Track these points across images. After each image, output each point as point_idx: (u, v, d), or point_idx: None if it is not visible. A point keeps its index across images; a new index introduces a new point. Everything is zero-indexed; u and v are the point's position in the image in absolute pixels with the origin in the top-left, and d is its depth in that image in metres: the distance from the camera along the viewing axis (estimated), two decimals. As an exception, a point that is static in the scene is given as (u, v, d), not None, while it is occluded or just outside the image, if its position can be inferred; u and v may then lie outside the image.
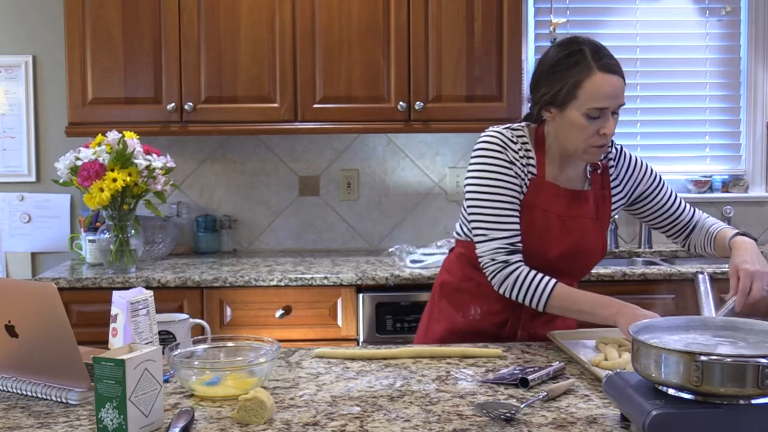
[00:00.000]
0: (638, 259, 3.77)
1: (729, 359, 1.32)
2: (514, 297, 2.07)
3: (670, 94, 4.01)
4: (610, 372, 1.56)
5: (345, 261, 3.53)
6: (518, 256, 2.08)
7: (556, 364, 1.83)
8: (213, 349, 1.84)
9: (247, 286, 3.18)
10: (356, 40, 3.46)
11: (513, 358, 1.99)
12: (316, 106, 3.47)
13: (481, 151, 2.12)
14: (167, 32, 3.43)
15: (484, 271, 2.11)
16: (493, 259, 2.08)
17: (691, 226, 2.29)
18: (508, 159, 2.10)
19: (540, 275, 2.06)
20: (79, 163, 3.13)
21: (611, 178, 2.22)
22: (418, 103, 3.45)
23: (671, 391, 1.39)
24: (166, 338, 1.94)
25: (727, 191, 3.98)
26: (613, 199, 2.22)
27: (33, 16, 3.78)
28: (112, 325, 1.83)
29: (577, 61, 2.04)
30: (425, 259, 3.32)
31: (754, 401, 1.34)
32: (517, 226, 2.08)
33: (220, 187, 3.87)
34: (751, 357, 1.32)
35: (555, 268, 2.13)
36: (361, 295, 3.20)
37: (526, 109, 3.83)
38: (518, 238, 2.08)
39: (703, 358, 1.32)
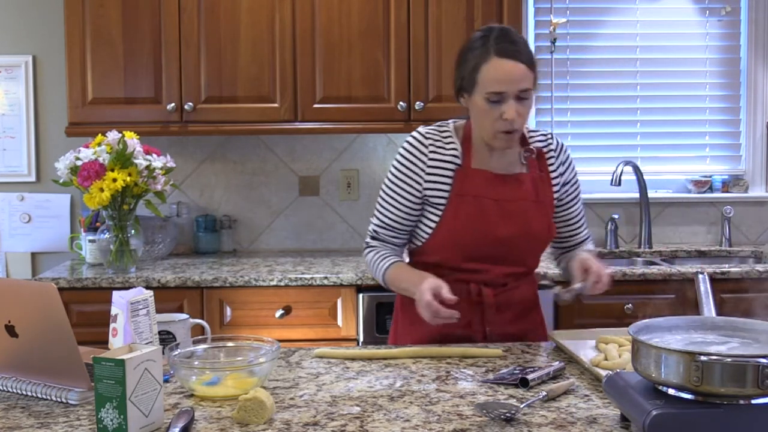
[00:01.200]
0: (638, 259, 3.77)
1: (729, 359, 1.32)
2: (372, 275, 2.29)
3: (670, 94, 4.01)
4: (610, 372, 1.56)
5: (345, 261, 3.53)
6: (378, 243, 2.26)
7: (556, 364, 1.83)
8: (213, 349, 1.84)
9: (247, 286, 3.18)
10: (356, 40, 3.46)
11: (513, 358, 1.99)
12: (316, 106, 3.47)
13: (399, 149, 2.25)
14: (167, 32, 3.43)
15: None
16: (365, 242, 2.31)
17: (575, 248, 2.33)
18: (413, 156, 2.19)
19: (384, 255, 2.23)
20: (79, 163, 3.13)
21: (549, 164, 2.24)
22: (418, 103, 3.45)
23: (671, 391, 1.39)
24: (166, 338, 1.94)
25: (727, 191, 3.98)
26: (555, 187, 2.24)
27: (33, 16, 3.78)
28: (112, 325, 1.83)
29: (479, 45, 2.10)
30: (425, 259, 3.32)
31: (754, 401, 1.34)
32: (390, 221, 2.21)
33: (220, 187, 3.87)
34: (751, 357, 1.32)
35: (504, 255, 2.16)
36: (361, 295, 3.20)
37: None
38: (386, 231, 2.24)
39: (703, 358, 1.32)
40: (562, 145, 2.29)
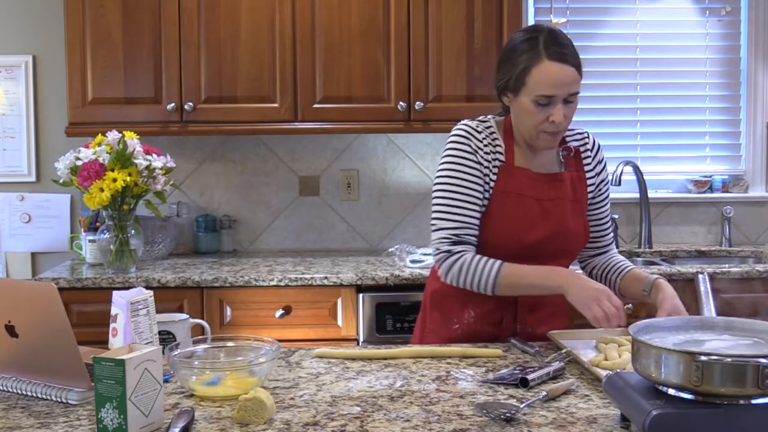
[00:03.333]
0: (638, 259, 3.77)
1: (729, 359, 1.32)
2: (462, 284, 2.10)
3: (670, 94, 4.01)
4: (610, 372, 1.56)
5: (345, 261, 3.53)
6: (463, 247, 2.10)
7: (556, 364, 1.83)
8: (213, 349, 1.84)
9: (247, 286, 3.18)
10: (356, 40, 3.46)
11: (513, 358, 1.99)
12: (316, 106, 3.47)
13: (448, 144, 2.18)
14: (167, 32, 3.43)
15: (438, 269, 2.15)
16: (437, 249, 2.13)
17: (602, 251, 2.33)
18: (471, 148, 2.14)
19: (485, 258, 2.08)
20: (79, 163, 3.13)
21: (585, 162, 2.25)
22: (418, 103, 3.45)
23: (671, 391, 1.39)
24: (166, 338, 1.94)
25: (727, 191, 3.98)
26: (589, 187, 2.25)
27: (33, 16, 3.78)
28: (112, 325, 1.83)
29: (529, 47, 2.08)
30: (425, 259, 3.32)
31: (754, 401, 1.34)
32: (468, 219, 2.11)
33: (220, 187, 3.87)
34: (751, 357, 1.32)
35: (539, 253, 2.14)
36: (361, 295, 3.20)
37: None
38: (467, 230, 2.11)
39: (703, 358, 1.32)
40: (598, 144, 2.30)
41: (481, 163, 2.14)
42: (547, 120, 2.07)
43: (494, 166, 2.15)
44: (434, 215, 2.14)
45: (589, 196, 2.26)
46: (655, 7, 3.98)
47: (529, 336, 2.19)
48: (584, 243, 2.26)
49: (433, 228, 2.14)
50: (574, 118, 2.14)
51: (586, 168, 2.25)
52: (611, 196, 3.88)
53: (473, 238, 2.12)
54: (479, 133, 2.16)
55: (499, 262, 2.07)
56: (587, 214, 2.27)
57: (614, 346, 1.94)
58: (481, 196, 2.13)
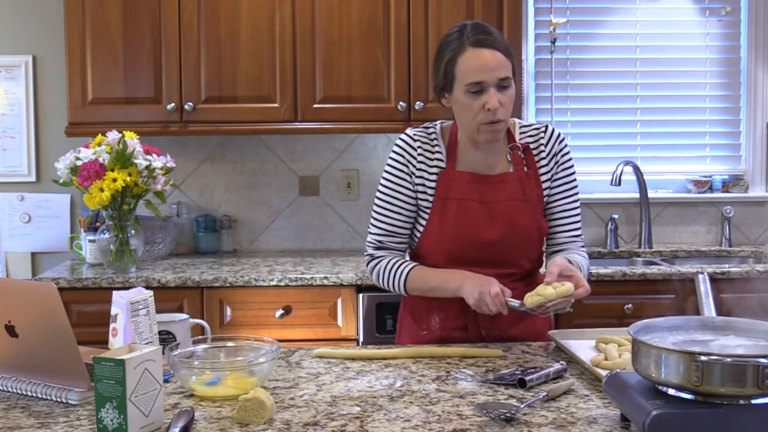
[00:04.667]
0: (638, 259, 3.77)
1: (729, 359, 1.32)
2: (383, 286, 2.21)
3: (670, 94, 4.01)
4: (610, 372, 1.56)
5: (345, 261, 3.53)
6: (384, 252, 2.21)
7: (557, 366, 1.82)
8: (213, 349, 1.84)
9: (247, 286, 3.18)
10: (356, 40, 3.46)
11: (513, 358, 1.99)
12: (316, 106, 3.47)
13: (388, 159, 2.23)
14: (167, 32, 3.43)
15: None
16: (365, 253, 2.25)
17: (560, 249, 2.22)
18: (404, 159, 2.19)
19: (399, 262, 2.17)
20: (79, 163, 3.13)
21: (539, 160, 2.19)
22: (418, 103, 3.45)
23: (671, 391, 1.39)
24: (166, 338, 1.95)
25: (727, 191, 3.98)
26: (544, 184, 2.19)
27: (33, 16, 3.78)
28: (112, 325, 1.83)
29: (452, 41, 2.10)
30: (425, 259, 3.32)
31: (754, 401, 1.34)
32: (392, 228, 2.19)
33: (220, 187, 3.87)
34: (751, 357, 1.32)
35: (493, 255, 2.13)
36: (361, 295, 3.20)
37: (525, 108, 3.85)
38: (390, 238, 2.20)
39: (703, 358, 1.32)
40: (557, 134, 2.22)
41: (412, 174, 2.17)
42: (483, 109, 2.06)
43: (432, 173, 2.16)
44: (370, 223, 2.25)
45: (546, 190, 2.19)
46: (655, 7, 3.98)
47: (502, 338, 2.18)
48: (540, 241, 2.20)
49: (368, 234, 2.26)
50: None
51: (540, 164, 2.18)
52: (611, 195, 3.88)
53: (398, 245, 2.21)
54: (414, 142, 2.18)
55: (409, 266, 2.15)
56: (547, 210, 2.21)
57: (614, 346, 1.94)
58: (409, 206, 2.19)
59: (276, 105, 3.47)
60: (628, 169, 3.78)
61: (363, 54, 3.46)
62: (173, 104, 3.42)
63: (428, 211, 2.17)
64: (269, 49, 3.45)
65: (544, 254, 2.28)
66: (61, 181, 3.22)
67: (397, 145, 2.20)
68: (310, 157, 3.87)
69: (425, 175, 2.17)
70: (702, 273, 2.03)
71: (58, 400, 1.66)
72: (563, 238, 2.23)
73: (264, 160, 3.87)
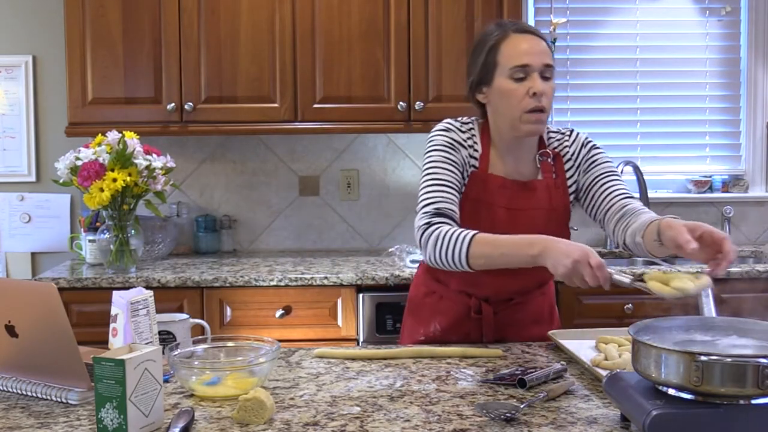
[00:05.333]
0: (638, 259, 3.77)
1: (729, 359, 1.32)
2: (438, 258, 1.96)
3: (670, 94, 4.01)
4: (610, 372, 1.56)
5: (345, 261, 3.53)
6: (443, 219, 1.99)
7: (557, 366, 1.82)
8: (213, 349, 1.84)
9: (247, 286, 3.18)
10: (356, 40, 3.46)
11: (513, 358, 1.99)
12: (316, 106, 3.47)
13: (435, 135, 2.11)
14: (167, 32, 3.43)
15: (420, 250, 2.02)
16: (418, 226, 2.01)
17: (627, 216, 2.04)
18: (456, 142, 2.09)
19: (461, 229, 1.95)
20: (79, 163, 3.13)
21: (566, 162, 2.16)
22: (418, 103, 3.45)
23: (671, 391, 1.39)
24: (166, 338, 1.94)
25: (727, 191, 3.98)
26: (570, 188, 2.16)
27: (33, 16, 3.78)
28: (112, 325, 1.83)
29: (492, 31, 2.08)
30: (425, 259, 3.31)
31: (754, 401, 1.34)
32: (450, 196, 2.02)
33: (220, 187, 3.87)
34: (751, 357, 1.32)
35: (511, 268, 2.04)
36: (361, 295, 3.20)
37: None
38: (447, 205, 2.01)
39: (703, 358, 1.32)
40: (576, 134, 2.19)
41: (462, 159, 2.09)
42: (527, 95, 2.02)
43: (468, 171, 2.10)
44: (419, 199, 2.06)
45: (572, 197, 2.16)
46: (655, 7, 3.98)
47: (500, 340, 2.16)
48: None
49: (417, 210, 2.05)
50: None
51: (567, 168, 2.15)
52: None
53: (455, 214, 2.02)
54: (462, 132, 2.12)
55: (474, 232, 1.93)
56: (585, 199, 2.14)
57: (614, 346, 1.94)
58: (459, 185, 2.07)
59: (276, 105, 3.47)
60: (628, 169, 3.78)
61: (363, 54, 3.46)
62: (173, 104, 3.42)
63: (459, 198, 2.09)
64: (269, 49, 3.45)
65: (614, 227, 2.08)
66: (61, 181, 3.22)
67: (447, 129, 2.11)
68: (310, 157, 3.87)
69: (466, 166, 2.10)
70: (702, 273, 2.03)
71: (58, 400, 1.66)
72: (623, 203, 2.07)
73: (264, 160, 3.87)
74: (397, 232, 3.90)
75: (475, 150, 2.11)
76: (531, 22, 3.91)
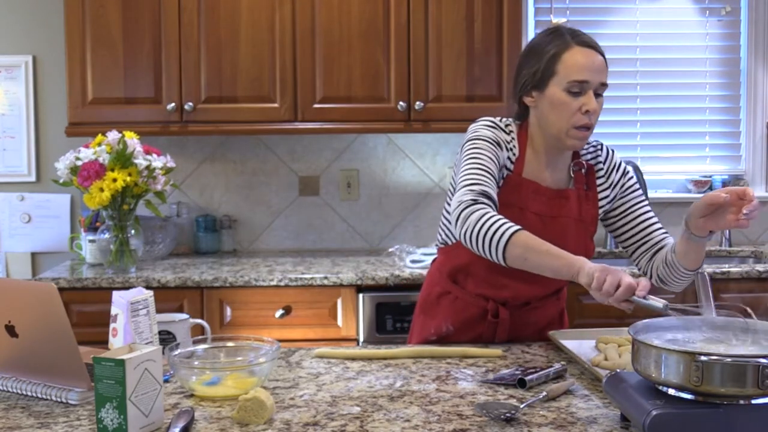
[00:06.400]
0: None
1: (729, 359, 1.32)
2: (474, 240, 1.89)
3: (670, 94, 4.01)
4: (610, 372, 1.56)
5: (345, 261, 3.53)
6: (489, 201, 1.93)
7: (557, 366, 1.82)
8: (213, 349, 1.84)
9: (247, 286, 3.18)
10: (356, 40, 3.46)
11: (513, 358, 1.99)
12: (316, 106, 3.47)
13: (478, 127, 2.09)
14: (167, 32, 3.43)
15: (454, 224, 1.94)
16: (461, 201, 1.93)
17: (658, 247, 2.18)
18: (500, 139, 2.07)
19: (505, 219, 1.88)
20: (79, 163, 3.13)
21: (598, 178, 2.16)
22: (418, 103, 3.45)
23: (671, 391, 1.39)
24: (166, 338, 1.95)
25: (727, 191, 3.98)
26: (601, 202, 2.16)
27: (33, 16, 3.78)
28: (112, 325, 1.83)
29: (554, 38, 2.04)
30: (425, 259, 3.32)
31: (754, 401, 1.34)
32: (492, 184, 1.98)
33: (220, 187, 3.87)
34: (751, 357, 1.32)
35: (533, 274, 2.01)
36: (361, 295, 3.20)
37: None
38: (490, 190, 1.96)
39: (703, 358, 1.32)
40: (610, 152, 2.20)
41: (500, 157, 2.05)
42: (579, 111, 1.99)
43: (503, 171, 2.07)
44: (460, 178, 1.99)
45: (602, 211, 2.17)
46: (655, 7, 3.98)
47: (511, 340, 2.16)
48: None
49: (458, 188, 1.97)
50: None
51: (599, 182, 2.16)
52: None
53: (496, 202, 1.97)
54: (506, 134, 2.09)
55: (518, 226, 1.87)
56: (616, 224, 2.19)
57: (614, 346, 1.94)
58: (497, 181, 2.03)
59: (276, 105, 3.47)
60: (628, 169, 3.77)
61: (363, 54, 3.46)
62: (173, 104, 3.42)
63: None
64: (269, 49, 3.45)
65: (644, 258, 2.20)
66: (61, 181, 3.22)
67: (490, 124, 2.09)
68: (310, 157, 3.87)
69: (505, 165, 2.08)
70: (702, 273, 2.03)
71: (58, 400, 1.66)
72: (658, 236, 2.20)
73: (264, 160, 3.87)
74: (397, 232, 3.90)
75: (514, 153, 2.09)
76: (531, 22, 3.91)
